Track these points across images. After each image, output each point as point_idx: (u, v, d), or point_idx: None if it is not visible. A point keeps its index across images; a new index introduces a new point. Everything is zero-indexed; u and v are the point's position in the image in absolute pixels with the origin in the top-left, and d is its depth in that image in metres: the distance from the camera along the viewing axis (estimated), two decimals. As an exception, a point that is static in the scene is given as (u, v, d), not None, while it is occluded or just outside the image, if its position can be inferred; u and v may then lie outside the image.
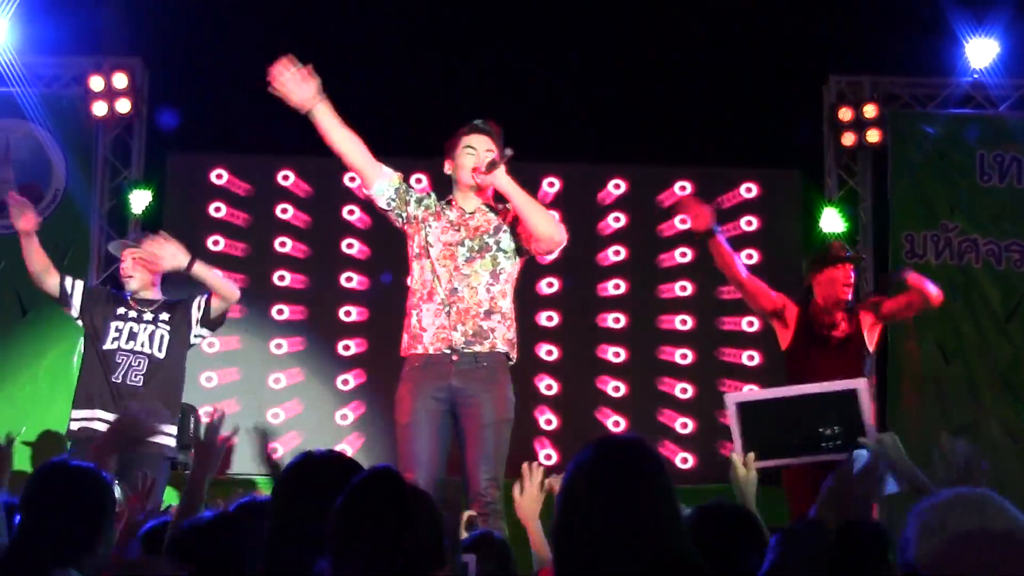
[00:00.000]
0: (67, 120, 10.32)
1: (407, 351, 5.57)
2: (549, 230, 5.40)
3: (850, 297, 6.84)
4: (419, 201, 5.64)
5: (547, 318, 10.90)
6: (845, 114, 10.30)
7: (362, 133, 5.61)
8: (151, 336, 6.60)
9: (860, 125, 10.28)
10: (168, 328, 6.66)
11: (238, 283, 7.25)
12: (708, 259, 7.02)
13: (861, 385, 4.28)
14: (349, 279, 10.94)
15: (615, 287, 10.96)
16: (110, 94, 10.23)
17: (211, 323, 6.77)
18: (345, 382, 10.81)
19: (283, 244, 10.93)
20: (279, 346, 10.85)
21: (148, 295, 6.79)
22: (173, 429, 6.63)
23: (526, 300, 9.33)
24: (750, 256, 10.62)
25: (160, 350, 6.60)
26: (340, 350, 10.86)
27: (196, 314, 6.73)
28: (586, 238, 10.68)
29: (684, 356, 10.86)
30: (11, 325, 9.92)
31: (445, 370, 5.43)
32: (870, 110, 10.25)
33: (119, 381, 6.52)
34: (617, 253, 10.99)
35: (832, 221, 10.41)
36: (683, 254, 10.92)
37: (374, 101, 10.27)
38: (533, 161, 10.66)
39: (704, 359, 10.84)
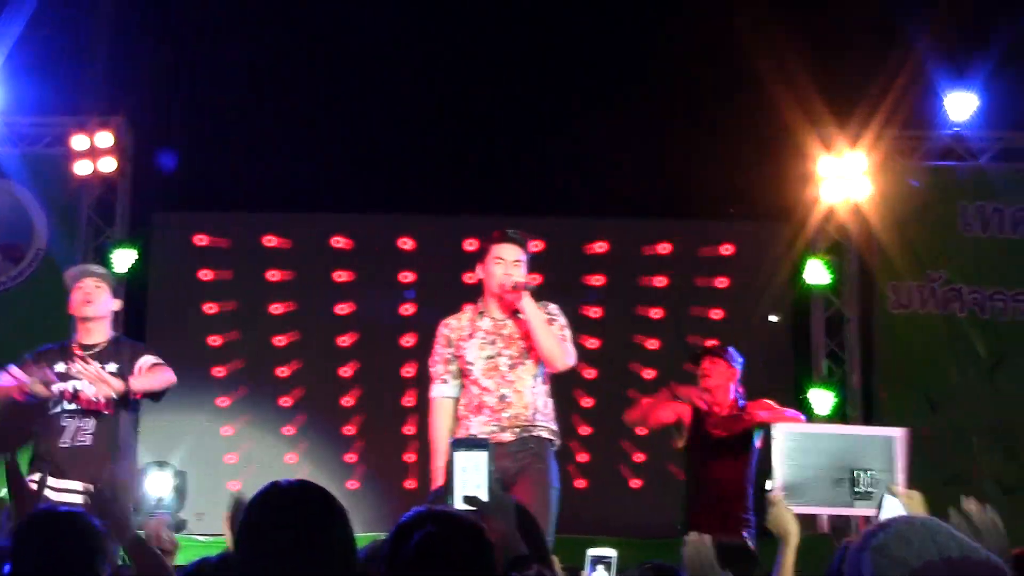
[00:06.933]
0: (49, 179, 10.29)
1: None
2: (553, 354, 5.68)
3: (711, 385, 6.88)
4: (451, 343, 5.86)
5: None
6: (829, 167, 10.34)
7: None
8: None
9: (844, 177, 10.32)
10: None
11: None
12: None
13: (899, 434, 4.36)
14: (344, 340, 10.98)
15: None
16: (93, 153, 10.21)
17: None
18: (350, 431, 10.89)
19: (276, 308, 10.95)
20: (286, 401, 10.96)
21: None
22: None
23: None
24: (717, 313, 10.79)
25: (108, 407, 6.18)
26: (342, 403, 10.94)
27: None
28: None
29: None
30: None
31: (497, 452, 5.53)
32: (854, 163, 10.28)
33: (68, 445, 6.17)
34: (595, 312, 11.02)
35: (817, 273, 10.44)
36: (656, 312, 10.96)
37: (356, 157, 10.33)
38: (517, 215, 10.73)
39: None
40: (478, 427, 5.67)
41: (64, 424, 6.20)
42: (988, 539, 3.07)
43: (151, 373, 6.28)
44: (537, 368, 5.75)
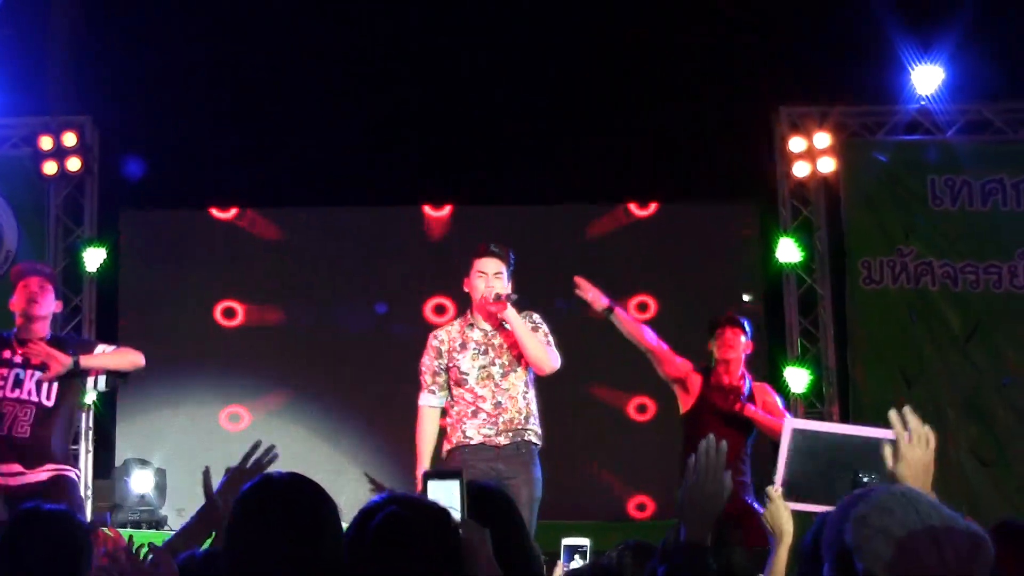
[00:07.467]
0: (16, 181, 10.23)
1: (454, 445, 6.12)
2: (541, 360, 6.06)
3: (731, 357, 7.00)
4: (441, 354, 6.20)
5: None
6: (797, 144, 10.33)
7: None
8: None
9: (812, 154, 10.32)
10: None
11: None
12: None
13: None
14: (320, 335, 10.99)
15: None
16: (60, 153, 10.14)
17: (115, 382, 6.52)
18: (329, 427, 10.96)
19: (248, 305, 10.94)
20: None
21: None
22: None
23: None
24: (690, 294, 10.73)
25: (48, 397, 6.25)
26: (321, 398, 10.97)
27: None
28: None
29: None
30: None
31: (492, 455, 6.03)
32: (822, 139, 10.27)
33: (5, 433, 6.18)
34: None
35: (788, 251, 10.44)
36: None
37: (323, 153, 10.33)
38: (491, 204, 10.75)
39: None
40: (473, 431, 6.02)
41: (3, 412, 6.21)
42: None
43: (110, 354, 6.36)
44: (527, 374, 6.11)
